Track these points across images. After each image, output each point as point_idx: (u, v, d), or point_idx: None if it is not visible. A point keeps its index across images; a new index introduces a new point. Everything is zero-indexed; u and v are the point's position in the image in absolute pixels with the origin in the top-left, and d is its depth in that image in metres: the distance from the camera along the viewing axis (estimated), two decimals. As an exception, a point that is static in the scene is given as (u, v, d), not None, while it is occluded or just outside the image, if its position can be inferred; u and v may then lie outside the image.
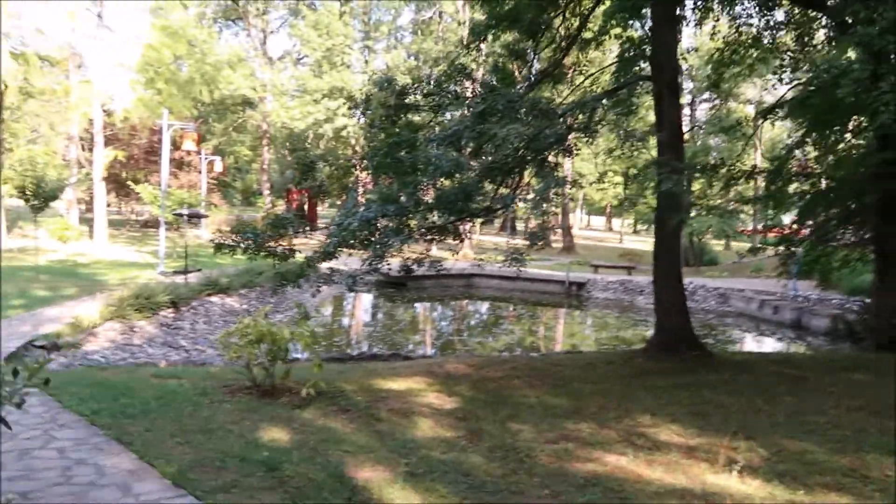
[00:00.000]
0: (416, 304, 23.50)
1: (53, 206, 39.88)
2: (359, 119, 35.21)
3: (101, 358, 11.35)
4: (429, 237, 8.83)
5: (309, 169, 42.86)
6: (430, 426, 6.78)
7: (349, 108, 9.90)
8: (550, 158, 8.77)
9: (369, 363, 11.57)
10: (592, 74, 10.39)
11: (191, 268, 19.16)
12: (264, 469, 5.06)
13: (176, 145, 25.83)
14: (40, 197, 17.86)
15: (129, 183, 28.32)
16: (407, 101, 9.73)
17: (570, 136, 8.04)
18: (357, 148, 36.21)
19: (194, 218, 24.26)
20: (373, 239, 8.07)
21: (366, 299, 23.43)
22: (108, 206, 36.20)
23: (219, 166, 35.73)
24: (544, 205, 8.08)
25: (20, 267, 19.82)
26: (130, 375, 8.74)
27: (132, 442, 5.58)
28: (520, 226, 58.26)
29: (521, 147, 7.86)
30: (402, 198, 8.76)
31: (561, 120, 8.38)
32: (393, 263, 9.15)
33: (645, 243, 51.35)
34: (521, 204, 8.53)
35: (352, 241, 8.28)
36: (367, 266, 8.16)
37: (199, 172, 34.82)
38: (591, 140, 9.08)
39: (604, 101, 8.26)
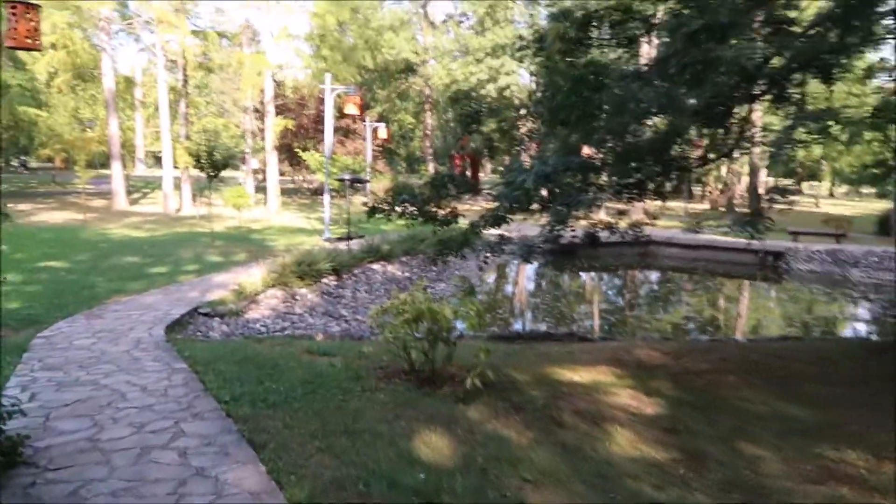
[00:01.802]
0: (586, 275, 21.65)
1: (234, 176, 42.52)
2: (521, 75, 33.38)
3: (261, 327, 10.93)
4: (626, 195, 7.12)
5: (472, 120, 41.25)
6: (630, 440, 5.22)
7: (517, 50, 8.38)
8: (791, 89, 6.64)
9: (541, 343, 10.12)
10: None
11: (353, 234, 18.76)
12: (418, 502, 3.82)
13: (340, 112, 25.72)
14: (212, 165, 18.14)
15: (297, 151, 28.87)
16: (591, 35, 7.99)
17: (825, 56, 5.90)
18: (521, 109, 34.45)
19: (356, 183, 24.03)
20: (552, 201, 6.54)
21: (530, 268, 21.94)
22: (282, 174, 37.59)
23: (383, 133, 35.61)
24: (787, 149, 6.02)
25: (199, 233, 20.63)
26: (284, 349, 8.02)
27: (265, 444, 4.61)
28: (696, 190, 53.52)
29: (755, 74, 5.87)
30: (587, 149, 7.11)
31: (805, 37, 6.25)
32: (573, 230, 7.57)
33: (847, 207, 45.05)
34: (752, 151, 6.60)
35: (526, 204, 6.77)
36: (545, 233, 6.65)
37: (365, 140, 35.01)
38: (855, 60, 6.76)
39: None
